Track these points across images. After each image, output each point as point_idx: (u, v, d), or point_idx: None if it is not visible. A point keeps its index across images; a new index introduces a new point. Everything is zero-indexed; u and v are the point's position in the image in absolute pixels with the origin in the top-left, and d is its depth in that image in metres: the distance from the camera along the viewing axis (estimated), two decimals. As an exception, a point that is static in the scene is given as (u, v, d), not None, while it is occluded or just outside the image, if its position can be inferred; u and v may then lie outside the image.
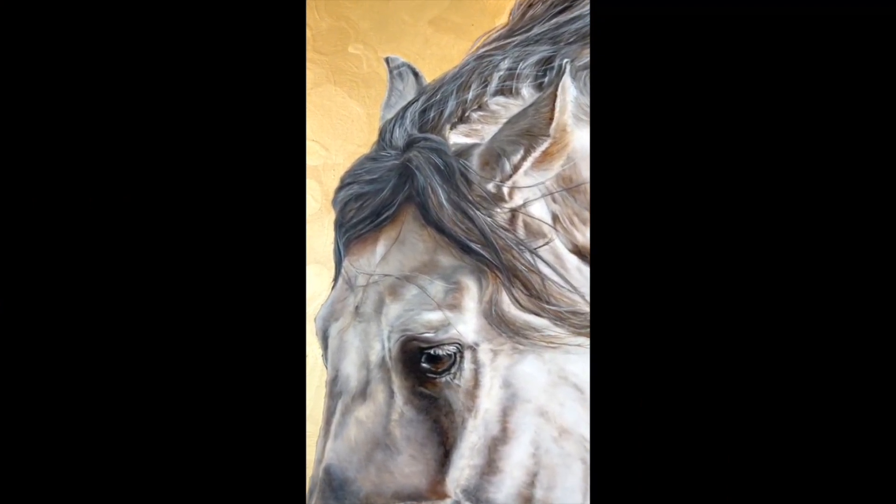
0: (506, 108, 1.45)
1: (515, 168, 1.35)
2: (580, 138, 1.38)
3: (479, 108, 1.46)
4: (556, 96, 1.31)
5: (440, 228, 1.35)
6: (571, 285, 1.35)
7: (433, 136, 1.40)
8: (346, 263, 1.43)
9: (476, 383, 1.31)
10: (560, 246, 1.37)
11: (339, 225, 1.46)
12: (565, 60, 1.35)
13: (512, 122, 1.36)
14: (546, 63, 1.45)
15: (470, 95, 1.44)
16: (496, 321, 1.32)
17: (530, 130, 1.34)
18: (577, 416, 1.32)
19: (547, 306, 1.32)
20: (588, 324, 1.34)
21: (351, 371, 1.37)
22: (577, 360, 1.33)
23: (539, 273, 1.33)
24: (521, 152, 1.34)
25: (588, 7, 1.47)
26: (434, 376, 1.31)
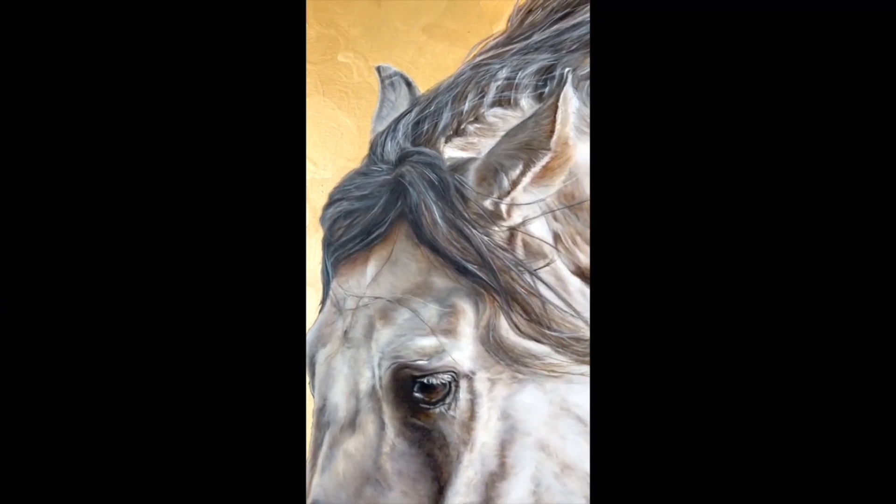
0: (504, 120, 1.42)
1: (514, 184, 1.32)
2: (583, 152, 1.36)
3: (476, 120, 1.43)
4: (557, 107, 1.29)
5: (434, 248, 1.32)
6: (574, 309, 1.32)
7: (427, 150, 1.37)
8: (334, 285, 1.40)
9: (472, 414, 1.28)
10: (562, 267, 1.34)
11: (328, 244, 1.43)
12: (567, 69, 1.34)
13: (510, 134, 1.34)
14: (546, 72, 1.43)
15: (466, 107, 1.42)
16: (494, 348, 1.29)
17: (530, 144, 1.31)
18: (581, 451, 1.29)
19: (548, 332, 1.29)
20: (593, 351, 1.32)
21: (339, 400, 1.34)
22: (580, 391, 1.30)
23: (539, 296, 1.30)
24: (520, 167, 1.31)
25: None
26: (427, 407, 1.28)
